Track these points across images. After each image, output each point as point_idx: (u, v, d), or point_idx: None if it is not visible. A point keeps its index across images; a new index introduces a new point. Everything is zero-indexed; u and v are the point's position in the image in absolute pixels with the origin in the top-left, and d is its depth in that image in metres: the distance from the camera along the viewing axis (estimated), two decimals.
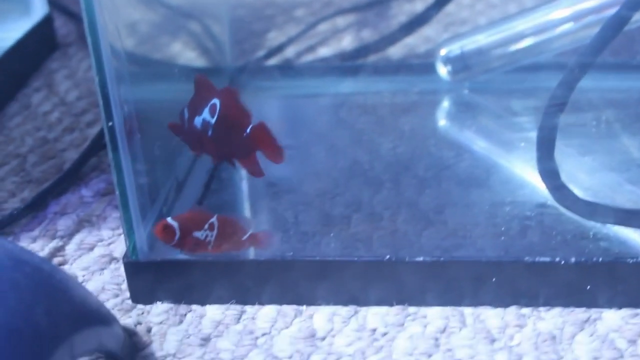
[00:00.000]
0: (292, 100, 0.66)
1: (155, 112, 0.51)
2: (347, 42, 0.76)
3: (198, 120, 0.46)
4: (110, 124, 0.44)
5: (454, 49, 0.63)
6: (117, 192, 0.45)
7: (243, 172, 0.57)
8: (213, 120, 0.46)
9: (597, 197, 0.51)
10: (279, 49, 0.73)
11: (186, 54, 0.60)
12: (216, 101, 0.46)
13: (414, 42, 0.74)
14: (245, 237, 0.47)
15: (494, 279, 0.45)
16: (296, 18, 0.81)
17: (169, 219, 0.46)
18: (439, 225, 0.50)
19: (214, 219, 0.46)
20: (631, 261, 0.44)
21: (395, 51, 0.72)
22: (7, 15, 0.75)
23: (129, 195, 0.46)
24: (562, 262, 0.44)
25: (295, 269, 0.46)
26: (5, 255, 0.38)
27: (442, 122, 0.63)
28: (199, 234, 0.46)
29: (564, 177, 0.50)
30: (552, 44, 0.61)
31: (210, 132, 0.46)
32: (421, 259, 0.45)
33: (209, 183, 0.55)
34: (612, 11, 0.55)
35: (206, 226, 0.46)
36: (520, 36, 0.61)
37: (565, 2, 0.60)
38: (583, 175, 0.54)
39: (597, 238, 0.47)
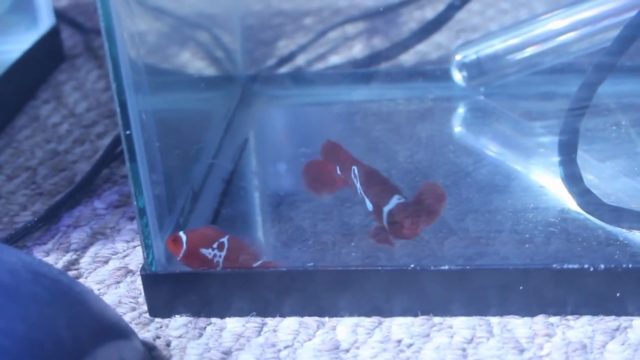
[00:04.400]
0: (305, 108, 0.66)
1: (171, 121, 0.50)
2: (357, 49, 0.75)
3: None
4: (128, 132, 0.43)
5: (469, 54, 0.62)
6: (134, 203, 0.44)
7: (258, 182, 0.56)
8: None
9: (619, 203, 0.50)
10: (290, 57, 0.73)
11: (200, 64, 0.59)
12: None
13: (425, 48, 0.73)
14: (256, 264, 0.46)
15: (520, 287, 0.44)
16: (305, 26, 0.80)
17: (180, 232, 0.45)
18: (461, 233, 0.49)
19: (224, 239, 0.45)
20: None
21: (408, 58, 0.72)
22: (14, 28, 0.74)
23: (147, 206, 0.45)
24: (591, 269, 0.43)
25: (317, 280, 0.45)
26: (23, 267, 0.37)
27: (458, 128, 0.62)
28: (206, 252, 0.45)
29: (585, 183, 0.49)
30: (568, 48, 0.60)
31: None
32: (446, 267, 0.44)
33: (225, 192, 0.54)
34: (629, 14, 0.55)
35: (215, 245, 0.45)
36: (536, 40, 0.61)
37: (581, 6, 0.59)
38: (603, 181, 0.53)
39: (624, 244, 0.46)
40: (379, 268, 0.45)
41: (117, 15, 0.41)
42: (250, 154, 0.59)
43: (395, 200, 0.45)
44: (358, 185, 0.48)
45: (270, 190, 0.55)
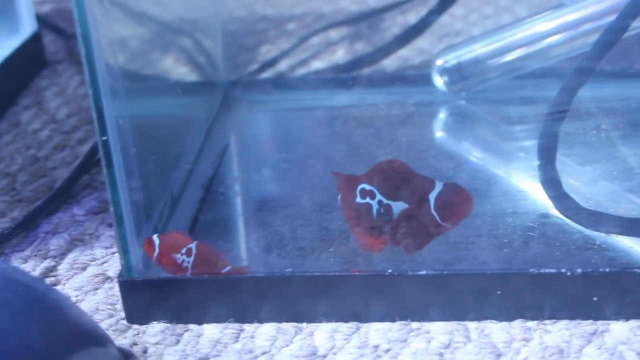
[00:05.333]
0: (287, 113, 0.66)
1: (149, 127, 0.50)
2: (340, 54, 0.75)
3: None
4: (104, 138, 0.43)
5: (450, 59, 0.62)
6: (111, 209, 0.44)
7: (238, 187, 0.56)
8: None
9: (598, 207, 0.50)
10: (272, 62, 0.73)
11: (179, 70, 0.59)
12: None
13: (408, 54, 0.73)
14: (224, 270, 0.46)
15: (498, 292, 0.44)
16: (288, 32, 0.80)
17: (153, 236, 0.46)
18: (440, 238, 0.48)
19: (192, 245, 0.46)
20: (638, 271, 0.43)
21: (390, 63, 0.72)
22: None
23: (124, 212, 0.44)
24: (568, 273, 0.43)
25: (295, 285, 0.45)
26: None
27: (439, 133, 0.62)
28: (176, 257, 0.45)
29: (564, 187, 0.49)
30: (549, 52, 0.60)
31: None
32: (423, 272, 0.44)
33: (204, 198, 0.54)
34: (609, 19, 0.55)
35: (184, 250, 0.45)
36: (517, 45, 0.61)
37: (562, 10, 0.59)
38: (583, 185, 0.53)
39: (602, 248, 0.46)
40: (357, 273, 0.45)
41: (94, 20, 0.41)
42: (231, 159, 0.59)
43: (440, 184, 0.45)
44: (377, 197, 0.46)
45: (250, 195, 0.55)
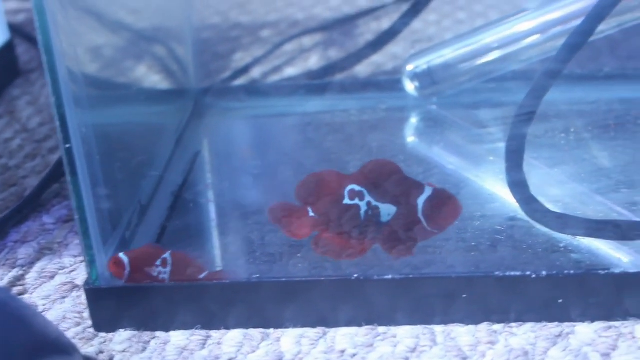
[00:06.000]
0: (259, 120, 0.65)
1: (117, 135, 0.50)
2: (313, 61, 0.75)
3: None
4: (67, 146, 0.42)
5: (420, 64, 0.62)
6: (76, 217, 0.44)
7: (209, 194, 0.56)
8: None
9: (567, 209, 0.50)
10: (245, 69, 0.73)
11: (148, 77, 0.59)
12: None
13: (381, 59, 0.73)
14: (202, 276, 0.45)
15: (464, 296, 0.44)
16: (262, 39, 0.80)
17: (120, 254, 0.45)
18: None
19: (167, 255, 0.45)
20: (603, 273, 0.43)
21: (363, 69, 0.72)
22: None
23: (89, 221, 0.44)
24: (533, 276, 0.43)
25: (262, 291, 0.45)
26: None
27: (410, 138, 0.63)
28: (151, 270, 0.45)
29: (533, 190, 0.49)
30: (519, 56, 0.60)
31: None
32: (390, 277, 0.44)
33: (173, 206, 0.53)
34: (577, 22, 0.55)
35: (158, 262, 0.45)
36: (487, 49, 0.61)
37: (531, 14, 0.60)
38: (552, 187, 0.53)
39: (568, 250, 0.47)
40: (323, 278, 0.44)
41: (56, 26, 0.41)
42: (202, 166, 0.59)
43: (429, 189, 0.45)
44: (366, 198, 0.46)
45: (221, 202, 0.55)
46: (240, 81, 0.71)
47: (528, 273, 0.43)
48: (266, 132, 0.64)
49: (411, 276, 0.44)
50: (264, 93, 0.68)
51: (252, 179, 0.57)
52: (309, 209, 0.47)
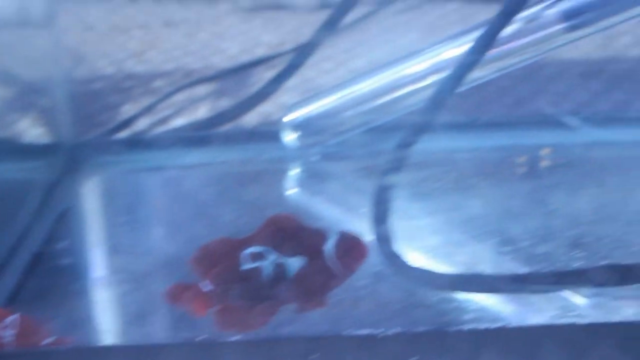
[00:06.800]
0: (135, 174, 0.64)
1: None
2: (203, 111, 0.74)
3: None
4: None
5: (300, 114, 0.62)
6: None
7: (73, 253, 0.54)
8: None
9: (439, 258, 0.49)
10: (130, 121, 0.71)
11: (11, 132, 0.57)
12: None
13: (270, 109, 0.72)
14: (47, 341, 0.43)
15: (311, 357, 0.42)
16: (154, 89, 0.79)
17: None
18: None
19: (13, 318, 0.43)
20: (457, 329, 0.42)
21: (251, 119, 0.71)
22: None
23: None
24: (388, 333, 0.42)
25: (114, 357, 0.43)
26: None
27: (289, 190, 0.61)
28: None
29: (406, 240, 0.48)
30: (403, 102, 0.60)
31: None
32: (237, 338, 0.42)
33: (33, 266, 0.51)
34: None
35: (2, 326, 0.43)
36: (371, 96, 0.60)
37: (411, 61, 0.59)
38: (427, 236, 0.53)
39: (427, 305, 0.45)
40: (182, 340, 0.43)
41: None
42: (69, 223, 0.57)
43: (334, 234, 0.44)
44: (270, 257, 0.44)
45: (83, 261, 0.53)
46: (123, 133, 0.70)
47: (378, 331, 0.42)
48: (140, 187, 0.62)
49: (261, 339, 0.43)
50: (146, 145, 0.66)
51: (120, 237, 0.55)
52: (206, 284, 0.45)
